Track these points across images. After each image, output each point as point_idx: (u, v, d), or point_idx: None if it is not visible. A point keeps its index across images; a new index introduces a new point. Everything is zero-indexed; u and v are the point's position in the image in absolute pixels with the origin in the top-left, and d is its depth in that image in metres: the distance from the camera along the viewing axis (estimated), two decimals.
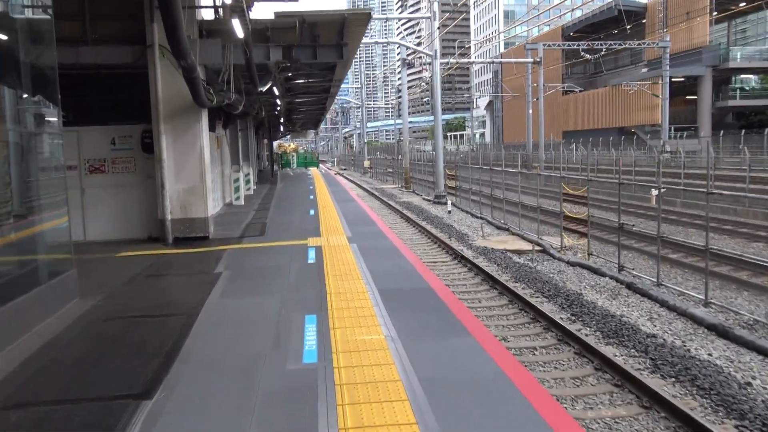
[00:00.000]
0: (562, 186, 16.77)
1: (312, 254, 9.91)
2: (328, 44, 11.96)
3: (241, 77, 13.14)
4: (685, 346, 9.00)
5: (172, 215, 11.82)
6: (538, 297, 12.19)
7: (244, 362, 5.01)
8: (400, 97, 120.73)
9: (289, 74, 14.59)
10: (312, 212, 16.58)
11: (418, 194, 35.38)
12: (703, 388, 7.44)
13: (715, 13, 53.77)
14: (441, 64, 29.83)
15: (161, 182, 11.61)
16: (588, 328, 10.08)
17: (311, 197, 22.08)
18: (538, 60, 40.56)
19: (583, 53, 45.20)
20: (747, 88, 59.30)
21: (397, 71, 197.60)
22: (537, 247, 17.42)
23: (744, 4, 55.49)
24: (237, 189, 19.14)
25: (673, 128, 52.40)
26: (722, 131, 44.48)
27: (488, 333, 5.78)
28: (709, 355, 8.69)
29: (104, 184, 12.58)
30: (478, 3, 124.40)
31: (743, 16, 73.02)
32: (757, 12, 74.79)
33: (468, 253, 16.66)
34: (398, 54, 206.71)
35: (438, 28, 28.34)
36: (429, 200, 30.83)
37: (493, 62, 43.96)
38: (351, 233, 12.40)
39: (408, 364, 4.77)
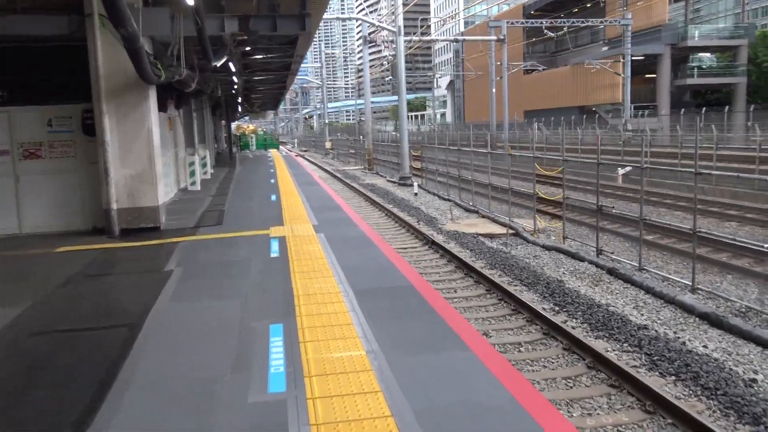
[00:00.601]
0: (536, 167, 16.10)
1: (275, 246, 8.97)
2: (289, 15, 10.89)
3: (194, 51, 11.98)
4: (678, 338, 8.44)
5: (118, 204, 10.69)
6: (516, 285, 11.53)
7: (196, 391, 4.09)
8: (360, 76, 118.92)
9: (247, 48, 13.41)
10: (273, 197, 15.55)
11: (382, 176, 34.53)
12: (707, 387, 6.84)
13: None
14: (404, 41, 28.82)
15: (105, 168, 10.45)
16: (574, 320, 9.44)
17: (272, 181, 20.98)
18: (501, 38, 39.90)
19: (546, 31, 44.72)
20: (704, 67, 59.97)
21: (358, 50, 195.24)
22: (509, 231, 16.81)
23: None
24: (192, 173, 17.95)
25: (632, 107, 52.65)
26: (683, 110, 44.76)
27: (487, 344, 4.99)
28: (705, 347, 8.15)
29: (41, 170, 11.33)
30: None
31: None
32: None
33: (439, 238, 15.94)
34: (359, 32, 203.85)
35: (402, 2, 27.31)
36: (394, 182, 30.03)
37: (456, 40, 43.11)
38: (316, 221, 11.47)
39: (398, 391, 3.92)
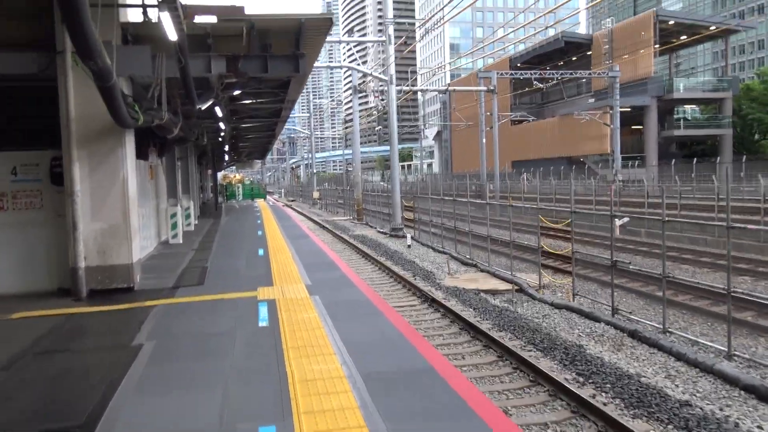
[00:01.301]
0: (540, 218, 15.20)
1: (264, 313, 7.83)
2: (281, 55, 10.05)
3: (178, 95, 11.09)
4: (728, 417, 7.33)
5: (87, 262, 9.53)
6: (530, 350, 10.40)
7: None
8: (348, 127, 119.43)
9: (235, 93, 12.54)
10: (261, 252, 14.41)
11: (371, 227, 33.53)
12: None
13: (656, 46, 54.85)
14: (395, 90, 28.30)
15: (73, 221, 9.34)
16: (603, 393, 8.31)
17: (259, 233, 19.87)
18: (492, 88, 39.76)
19: (536, 82, 44.82)
20: (689, 119, 60.58)
21: (345, 101, 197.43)
22: (512, 286, 15.77)
23: (685, 37, 57.03)
24: (174, 225, 16.83)
25: (620, 157, 52.63)
26: (673, 160, 44.66)
27: None
28: (761, 429, 7.06)
29: (3, 223, 10.19)
30: (424, 35, 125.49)
31: (684, 48, 75.57)
32: (689, 48, 77.66)
33: (438, 295, 14.86)
34: (347, 82, 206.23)
35: (393, 52, 26.90)
36: (385, 233, 29.01)
37: (446, 90, 42.97)
38: (309, 280, 10.36)
39: None
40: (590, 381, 8.74)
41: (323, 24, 9.80)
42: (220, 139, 20.98)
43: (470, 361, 9.94)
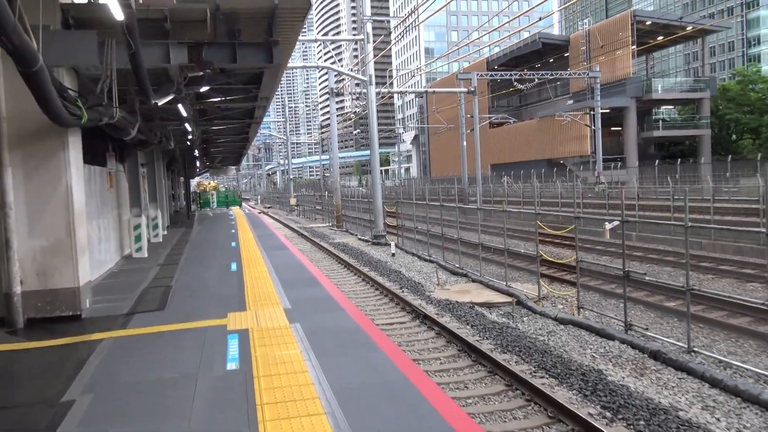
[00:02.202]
0: (538, 224, 14.00)
1: (234, 348, 6.43)
2: (252, 42, 8.68)
3: (134, 91, 9.65)
4: None
5: (24, 286, 8.05)
6: (542, 376, 9.15)
7: None
8: (324, 132, 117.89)
9: (202, 89, 11.09)
10: (234, 267, 12.95)
11: (352, 234, 32.16)
12: None
13: (633, 47, 54.50)
14: (375, 92, 27.00)
15: (6, 238, 7.85)
16: None
17: (233, 244, 18.38)
18: (472, 89, 38.73)
19: (516, 83, 43.92)
20: (667, 119, 60.39)
21: (321, 105, 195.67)
22: (510, 299, 14.56)
23: (661, 37, 56.83)
24: (138, 238, 15.29)
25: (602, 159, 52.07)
26: (657, 161, 44.12)
27: None
28: None
29: None
30: (401, 36, 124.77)
31: (659, 50, 75.68)
32: (661, 50, 77.76)
33: (429, 310, 13.60)
34: (321, 86, 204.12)
35: (371, 51, 25.62)
36: (366, 241, 27.67)
37: (426, 92, 41.83)
38: (288, 302, 8.96)
39: None
40: (619, 416, 7.51)
41: (300, 6, 8.47)
42: (188, 143, 19.41)
43: (475, 391, 8.66)
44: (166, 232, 23.09)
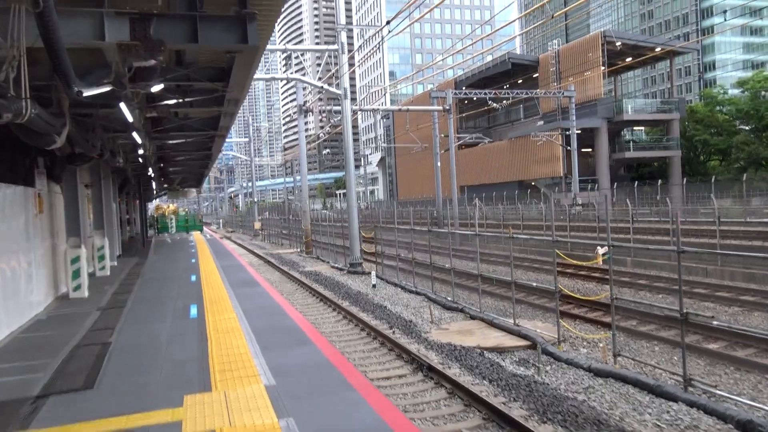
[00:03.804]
0: (557, 253, 11.91)
1: None
2: (218, 15, 6.41)
3: (63, 84, 7.19)
4: None
5: None
6: None
7: None
8: (286, 154, 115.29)
9: (152, 87, 8.65)
10: (194, 311, 10.43)
11: (323, 261, 29.72)
12: None
13: (603, 68, 54.06)
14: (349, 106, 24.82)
15: None
16: None
17: (193, 278, 15.79)
18: (447, 108, 37.01)
19: (490, 102, 42.47)
20: (637, 140, 60.03)
21: (284, 125, 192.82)
22: (523, 341, 12.43)
23: (630, 59, 56.61)
24: (76, 274, 12.61)
25: (571, 181, 51.01)
26: (636, 183, 43.11)
27: None
28: None
29: None
30: (369, 55, 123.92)
31: (627, 71, 75.93)
32: (625, 72, 78.02)
33: (432, 358, 11.40)
34: (284, 106, 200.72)
35: (345, 63, 23.51)
36: (340, 269, 25.29)
37: (400, 109, 40.04)
38: (270, 371, 6.47)
39: None
40: None
41: None
42: (140, 159, 16.76)
43: None
44: (116, 263, 20.30)
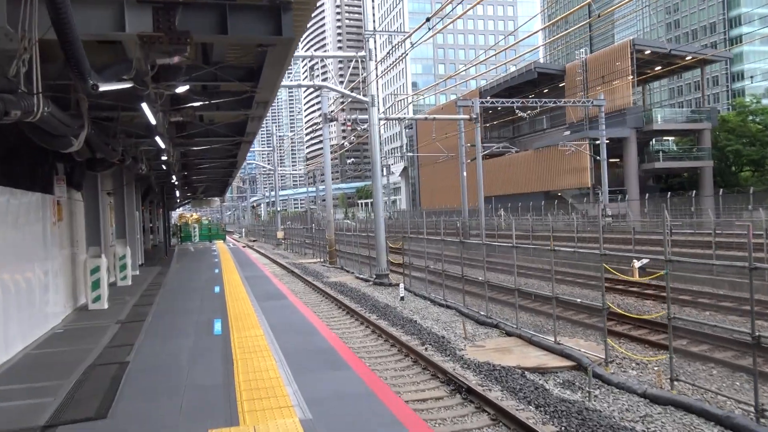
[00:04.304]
0: (605, 267, 11.09)
1: None
2: (250, 4, 5.80)
3: (80, 83, 6.64)
4: None
5: None
6: None
7: None
8: (309, 164, 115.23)
9: (177, 89, 8.09)
10: (218, 327, 9.79)
11: (348, 271, 29.06)
12: None
13: (630, 77, 52.88)
14: (377, 113, 24.22)
15: None
16: None
17: (216, 289, 15.20)
18: (474, 116, 36.25)
19: (518, 111, 41.62)
20: (666, 150, 58.58)
21: (307, 136, 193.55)
22: (566, 361, 11.61)
23: (659, 68, 55.33)
24: (96, 285, 12.09)
25: (599, 192, 49.82)
26: (669, 194, 41.80)
27: None
28: None
29: None
30: (392, 66, 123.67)
31: (656, 80, 74.46)
32: (654, 81, 76.53)
33: (470, 378, 10.65)
34: (306, 116, 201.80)
35: (373, 70, 22.94)
36: (366, 280, 24.60)
37: (426, 118, 39.46)
38: (305, 400, 5.71)
39: None
40: None
41: None
42: (164, 166, 16.29)
43: None
44: (138, 272, 19.85)
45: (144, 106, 7.29)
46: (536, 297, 16.74)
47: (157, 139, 10.13)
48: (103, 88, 5.42)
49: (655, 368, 10.82)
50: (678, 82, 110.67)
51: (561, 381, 10.78)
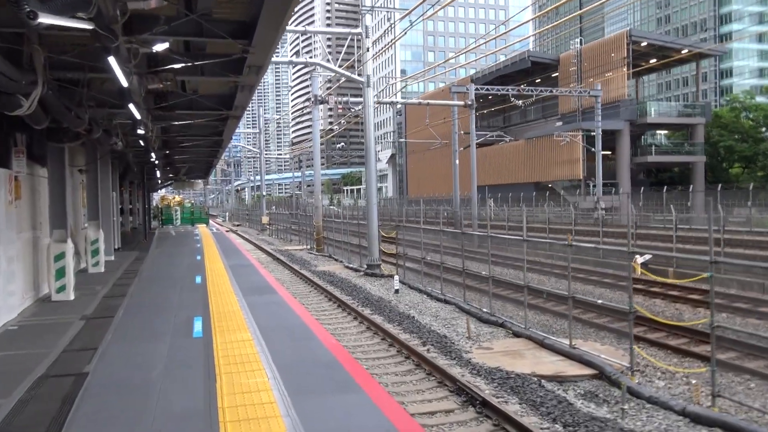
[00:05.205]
0: (633, 266, 9.94)
1: None
2: None
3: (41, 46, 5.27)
4: None
5: None
6: None
7: None
8: (294, 148, 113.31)
9: (155, 48, 6.66)
10: (198, 327, 8.46)
11: (337, 260, 27.80)
12: None
13: (625, 69, 52.00)
14: (372, 95, 22.83)
15: None
16: None
17: (198, 279, 13.86)
18: (469, 103, 35.01)
19: (513, 99, 40.45)
20: (659, 144, 57.92)
21: (293, 119, 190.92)
22: (586, 369, 10.49)
23: (654, 60, 54.55)
24: (61, 273, 10.69)
25: (591, 184, 49.01)
26: (665, 187, 40.95)
27: None
28: None
29: None
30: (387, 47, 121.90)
31: (651, 72, 73.63)
32: (646, 74, 75.76)
33: (482, 387, 9.50)
34: (293, 100, 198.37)
35: (368, 48, 21.57)
36: (356, 270, 23.39)
37: (420, 103, 38.17)
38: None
39: None
40: None
41: None
42: (141, 142, 14.76)
43: None
44: (113, 258, 18.41)
45: (112, 61, 5.92)
46: (549, 296, 15.59)
47: (131, 107, 8.71)
48: (47, 19, 4.06)
49: (686, 379, 9.71)
50: (666, 77, 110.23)
51: (582, 392, 9.66)
